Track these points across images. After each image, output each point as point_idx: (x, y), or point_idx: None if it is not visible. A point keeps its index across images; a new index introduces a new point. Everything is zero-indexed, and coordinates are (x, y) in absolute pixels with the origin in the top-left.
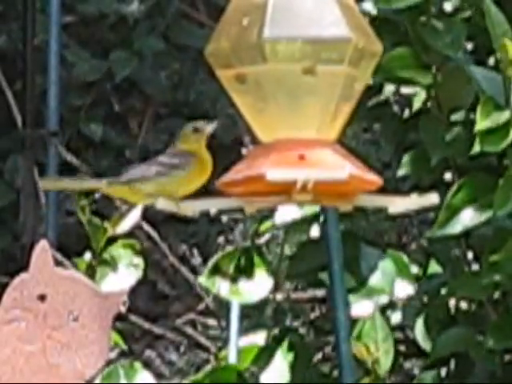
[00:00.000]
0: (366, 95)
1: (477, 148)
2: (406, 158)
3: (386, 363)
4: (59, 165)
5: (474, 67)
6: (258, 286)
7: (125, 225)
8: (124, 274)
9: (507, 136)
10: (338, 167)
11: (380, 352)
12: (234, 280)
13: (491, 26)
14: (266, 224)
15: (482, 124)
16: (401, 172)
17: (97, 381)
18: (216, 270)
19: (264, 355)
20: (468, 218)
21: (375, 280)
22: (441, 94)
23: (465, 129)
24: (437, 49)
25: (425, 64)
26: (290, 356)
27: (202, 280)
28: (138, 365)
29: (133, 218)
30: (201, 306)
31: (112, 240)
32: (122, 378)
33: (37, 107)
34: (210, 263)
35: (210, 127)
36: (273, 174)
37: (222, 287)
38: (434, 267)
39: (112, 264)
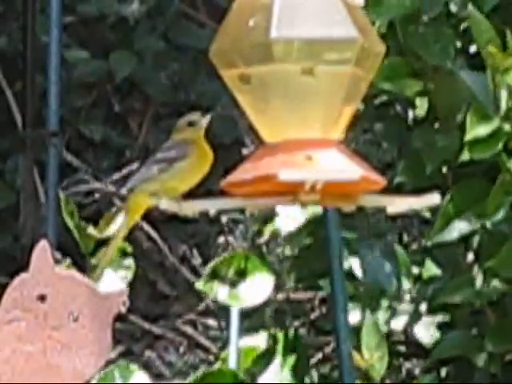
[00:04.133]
0: (369, 95)
1: (466, 156)
2: (402, 165)
3: (380, 368)
4: (59, 165)
5: (466, 72)
6: (258, 290)
7: (112, 228)
8: (112, 278)
9: (496, 144)
10: (349, 168)
11: (374, 358)
12: (233, 284)
13: (477, 34)
14: (270, 226)
15: (471, 133)
16: (398, 179)
17: (93, 381)
18: (215, 275)
19: (264, 357)
20: (464, 224)
21: (380, 278)
22: (434, 100)
23: (460, 134)
24: (425, 58)
25: (416, 72)
26: (291, 358)
27: (200, 285)
28: (133, 366)
29: (120, 220)
30: (201, 307)
31: (104, 242)
32: (118, 379)
33: (37, 107)
34: (209, 267)
35: (205, 120)
36: (285, 174)
37: (220, 292)
38: (434, 269)
39: (98, 268)
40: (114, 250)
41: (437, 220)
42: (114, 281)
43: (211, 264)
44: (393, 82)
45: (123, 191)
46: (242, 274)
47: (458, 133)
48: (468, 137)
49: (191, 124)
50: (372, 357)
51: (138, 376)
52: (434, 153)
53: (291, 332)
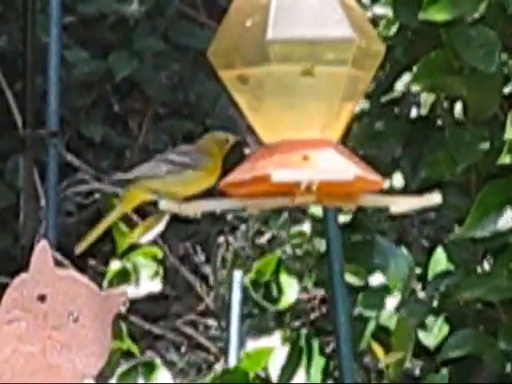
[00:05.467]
0: (375, 94)
1: (506, 159)
2: (429, 160)
3: (397, 370)
4: (59, 165)
5: None
6: (286, 292)
7: (149, 235)
8: (147, 285)
9: None
10: (343, 168)
11: (396, 356)
12: (267, 285)
13: None
14: (294, 231)
15: (511, 133)
16: (423, 174)
17: (113, 380)
18: (258, 277)
19: (291, 361)
20: (498, 220)
21: (388, 275)
22: (469, 99)
23: (492, 135)
24: (470, 61)
25: (455, 70)
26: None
27: (248, 284)
28: (157, 362)
29: (158, 229)
30: (201, 307)
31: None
32: (141, 376)
33: (37, 108)
34: (255, 268)
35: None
36: (278, 175)
37: (260, 294)
38: (439, 267)
39: (135, 273)
40: (101, 231)
41: (470, 214)
42: (147, 288)
43: (256, 264)
44: (432, 79)
45: (127, 176)
46: (275, 277)
47: (488, 134)
48: (508, 135)
49: (220, 144)
50: (395, 355)
51: (160, 373)
52: (466, 153)
53: (308, 337)
